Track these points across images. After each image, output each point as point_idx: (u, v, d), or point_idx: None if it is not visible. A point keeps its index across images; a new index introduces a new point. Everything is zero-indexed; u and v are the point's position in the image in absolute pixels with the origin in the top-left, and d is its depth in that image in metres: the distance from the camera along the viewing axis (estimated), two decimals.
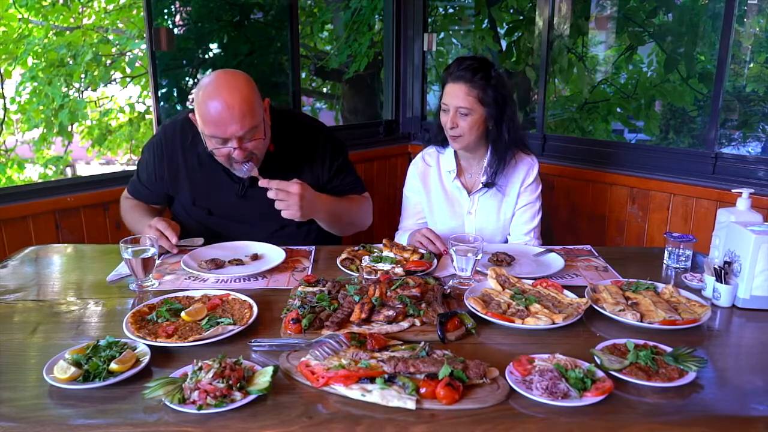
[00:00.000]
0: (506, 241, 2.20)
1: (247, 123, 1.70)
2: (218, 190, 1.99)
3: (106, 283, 1.65)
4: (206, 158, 1.94)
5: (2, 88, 4.39)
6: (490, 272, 1.58)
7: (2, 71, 4.41)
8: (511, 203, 2.17)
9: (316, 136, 2.05)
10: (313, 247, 1.94)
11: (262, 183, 1.75)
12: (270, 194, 1.75)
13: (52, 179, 4.03)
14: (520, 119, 3.81)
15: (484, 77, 1.99)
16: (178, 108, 3.21)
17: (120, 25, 4.85)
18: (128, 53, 4.85)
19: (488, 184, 2.13)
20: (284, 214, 1.78)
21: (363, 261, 1.75)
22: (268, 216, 1.88)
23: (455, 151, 2.18)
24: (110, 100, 5.09)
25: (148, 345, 1.22)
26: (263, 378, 1.09)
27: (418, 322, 1.34)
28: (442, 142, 2.18)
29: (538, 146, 3.22)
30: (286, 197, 1.75)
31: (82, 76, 4.70)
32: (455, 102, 2.00)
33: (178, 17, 3.35)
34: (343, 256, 1.79)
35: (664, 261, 1.81)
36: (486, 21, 4.12)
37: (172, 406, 1.03)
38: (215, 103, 1.68)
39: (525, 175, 2.15)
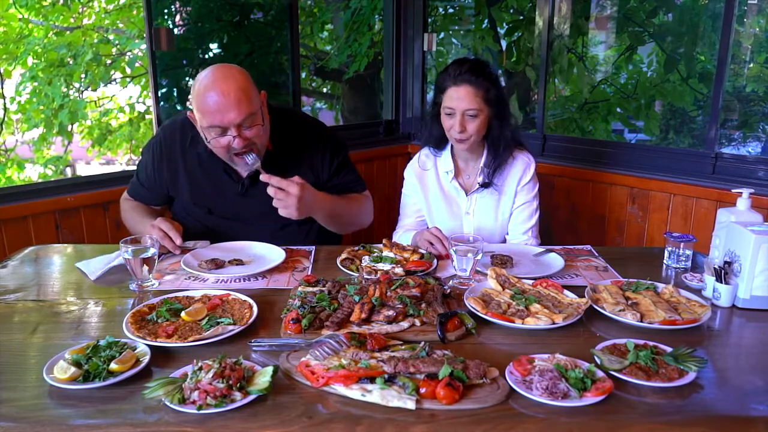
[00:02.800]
0: (504, 241, 2.21)
1: (244, 109, 1.72)
2: (218, 189, 1.99)
3: (93, 282, 1.65)
4: (206, 158, 1.94)
5: (2, 88, 4.39)
6: (490, 272, 1.58)
7: (2, 71, 4.40)
8: (508, 202, 2.17)
9: (315, 134, 2.05)
10: (313, 247, 1.94)
11: (264, 177, 1.74)
12: (269, 190, 1.75)
13: (52, 179, 4.02)
14: (521, 119, 3.83)
15: (487, 77, 1.99)
16: (178, 108, 3.20)
17: (120, 25, 4.85)
18: (128, 53, 4.85)
19: (485, 184, 2.13)
20: (281, 213, 1.78)
21: (363, 261, 1.75)
22: (269, 215, 1.87)
23: (452, 152, 2.18)
24: (110, 100, 5.09)
25: (148, 345, 1.22)
26: (263, 378, 1.09)
27: (418, 322, 1.34)
28: (438, 144, 2.18)
29: (538, 146, 3.21)
30: (285, 197, 1.75)
31: (82, 76, 4.69)
32: (463, 105, 1.98)
33: (178, 17, 3.35)
34: (343, 256, 1.79)
35: (664, 261, 1.81)
36: (486, 21, 4.11)
37: (172, 406, 1.03)
38: (212, 93, 1.71)
39: (522, 174, 2.15)
